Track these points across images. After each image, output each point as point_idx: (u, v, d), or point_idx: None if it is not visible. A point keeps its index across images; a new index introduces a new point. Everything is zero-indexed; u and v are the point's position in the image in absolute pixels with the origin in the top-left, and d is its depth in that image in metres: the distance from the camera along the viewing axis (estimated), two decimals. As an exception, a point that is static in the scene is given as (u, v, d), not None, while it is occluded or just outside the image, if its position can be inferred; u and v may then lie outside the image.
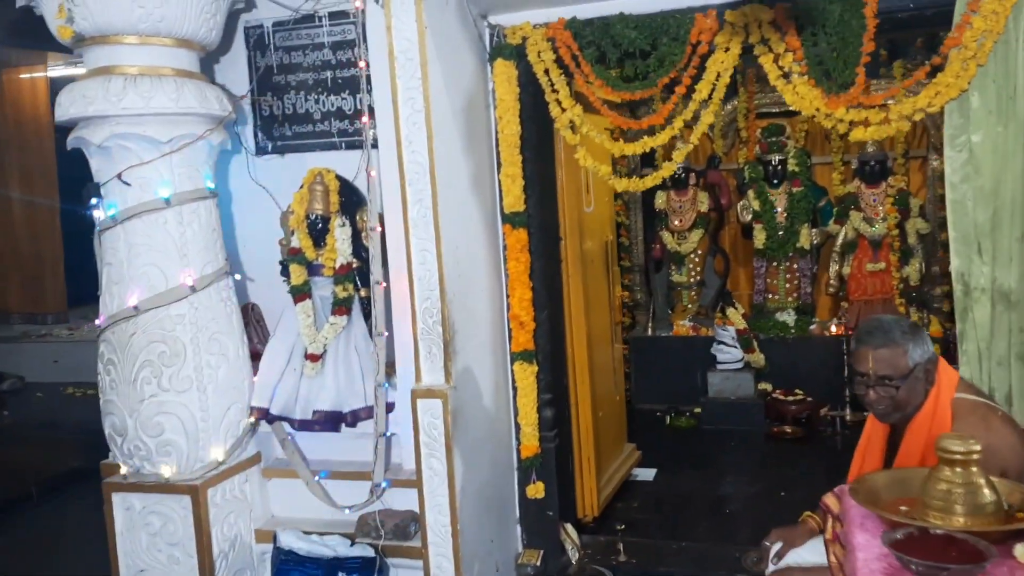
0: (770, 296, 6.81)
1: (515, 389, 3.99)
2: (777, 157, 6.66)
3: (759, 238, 6.70)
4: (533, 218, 3.97)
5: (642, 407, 6.75)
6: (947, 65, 3.28)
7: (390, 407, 3.76)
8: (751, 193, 6.73)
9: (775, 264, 6.73)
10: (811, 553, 2.70)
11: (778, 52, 3.49)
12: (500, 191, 3.92)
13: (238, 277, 3.97)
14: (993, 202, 3.27)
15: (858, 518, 2.18)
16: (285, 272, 3.89)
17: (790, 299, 6.77)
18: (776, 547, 2.80)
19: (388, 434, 3.74)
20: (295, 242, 3.86)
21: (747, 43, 3.54)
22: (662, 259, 7.06)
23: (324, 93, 3.93)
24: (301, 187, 3.83)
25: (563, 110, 3.81)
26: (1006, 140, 3.23)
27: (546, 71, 3.81)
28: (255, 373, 3.89)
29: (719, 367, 6.40)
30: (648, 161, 6.96)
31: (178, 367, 3.57)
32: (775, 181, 6.69)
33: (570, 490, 4.39)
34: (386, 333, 3.72)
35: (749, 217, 6.75)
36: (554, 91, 3.82)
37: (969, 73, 3.23)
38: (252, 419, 3.78)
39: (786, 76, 3.51)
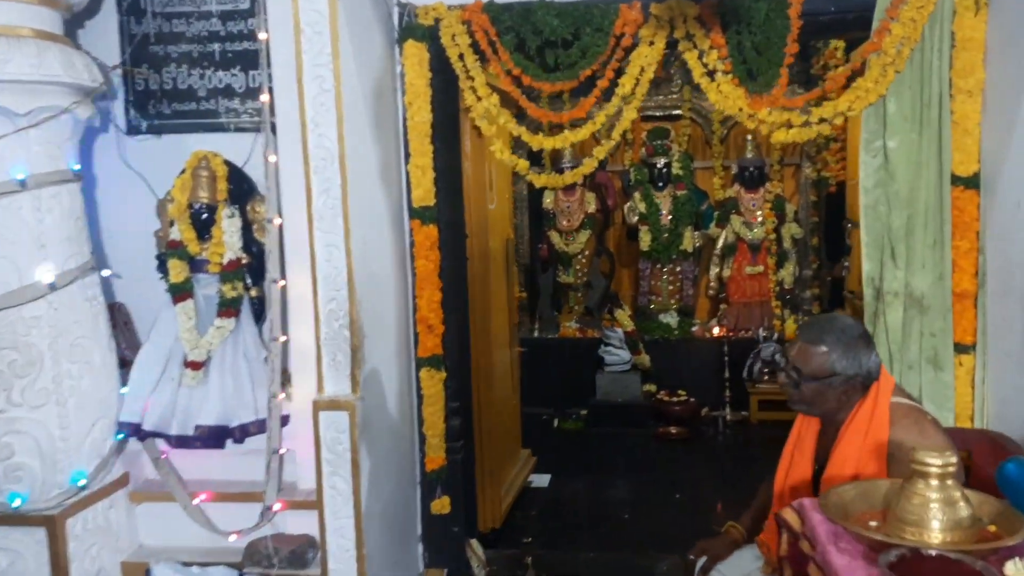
0: (654, 298, 6.82)
1: (420, 397, 3.69)
2: (662, 160, 6.67)
3: (645, 240, 6.69)
4: (442, 213, 3.68)
5: (529, 410, 6.57)
6: (867, 70, 3.28)
7: (284, 420, 3.36)
8: (637, 195, 6.72)
9: (659, 266, 6.74)
10: (734, 568, 2.60)
11: (703, 48, 3.38)
12: (408, 183, 3.60)
13: (106, 273, 3.44)
14: (907, 208, 3.29)
15: (830, 536, 2.06)
16: (163, 268, 3.41)
17: (673, 301, 6.80)
18: (701, 562, 2.68)
19: (282, 450, 3.34)
20: (175, 234, 3.38)
21: (672, 38, 3.41)
22: (549, 259, 6.93)
23: (211, 68, 3.48)
24: (183, 172, 3.36)
25: (479, 99, 3.54)
26: (920, 147, 3.26)
27: (460, 56, 3.52)
28: (124, 383, 3.39)
29: (607, 369, 6.32)
30: (535, 160, 6.80)
31: (32, 378, 3.04)
32: (660, 184, 6.70)
33: (473, 502, 4.13)
34: (283, 337, 3.32)
35: (635, 219, 6.73)
36: (469, 78, 3.55)
37: (887, 79, 3.24)
38: (121, 436, 3.28)
39: (710, 74, 3.41)
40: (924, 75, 3.24)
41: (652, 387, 6.43)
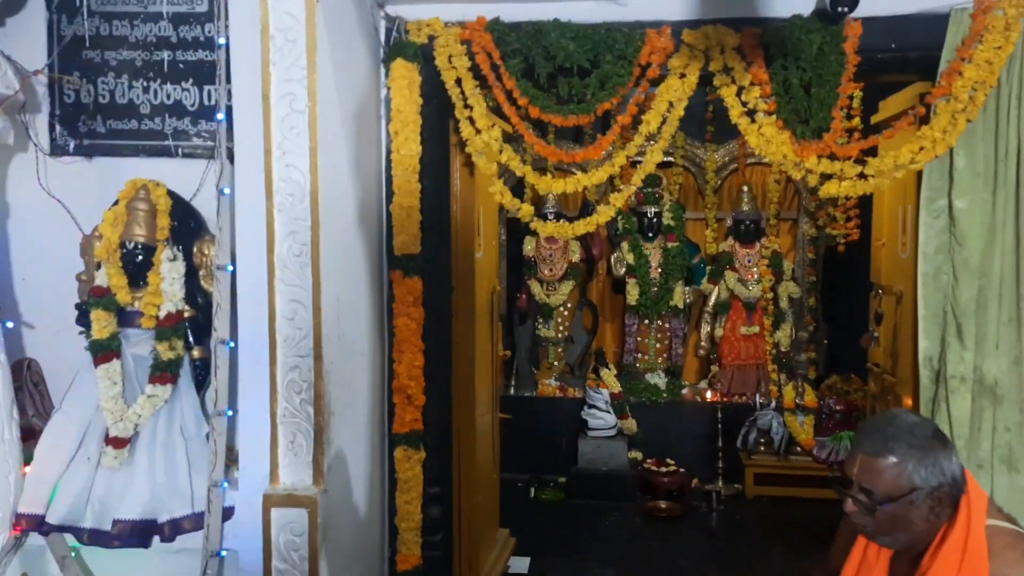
0: (640, 356, 6.28)
1: (394, 482, 3.06)
2: (652, 209, 6.19)
3: (632, 294, 6.17)
4: (428, 263, 3.11)
5: (504, 476, 5.94)
6: (933, 118, 2.81)
7: (227, 513, 2.70)
8: (625, 245, 6.21)
9: (647, 322, 6.22)
10: None
11: (742, 84, 2.89)
12: (390, 227, 3.02)
13: (10, 325, 2.79)
14: (978, 279, 2.81)
15: None
16: (84, 320, 2.76)
17: (660, 360, 6.26)
18: None
19: (222, 552, 2.68)
20: (101, 278, 2.74)
21: (706, 70, 2.91)
22: (528, 310, 6.36)
23: (158, 80, 2.87)
24: (116, 203, 2.74)
25: (477, 132, 2.99)
26: (994, 208, 2.80)
27: (458, 81, 2.98)
28: (27, 462, 2.71)
29: (590, 434, 5.74)
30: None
31: (-99, 459, 2.36)
32: (649, 234, 6.21)
33: (448, 602, 3.48)
34: (229, 411, 2.68)
35: (623, 271, 6.21)
36: (467, 107, 3.00)
37: (958, 128, 2.77)
38: (16, 532, 2.59)
39: (750, 114, 2.91)
40: (1000, 126, 2.78)
41: (638, 454, 5.85)
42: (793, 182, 6.22)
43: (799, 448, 5.70)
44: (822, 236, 6.14)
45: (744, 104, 2.90)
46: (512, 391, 6.19)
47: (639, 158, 3.22)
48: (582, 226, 3.02)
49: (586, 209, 6.33)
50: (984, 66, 2.73)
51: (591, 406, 5.76)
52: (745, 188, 6.16)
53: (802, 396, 5.78)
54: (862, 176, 2.85)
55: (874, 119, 4.08)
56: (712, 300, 6.20)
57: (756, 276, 6.07)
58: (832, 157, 2.86)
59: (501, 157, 3.01)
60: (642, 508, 5.43)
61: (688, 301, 6.26)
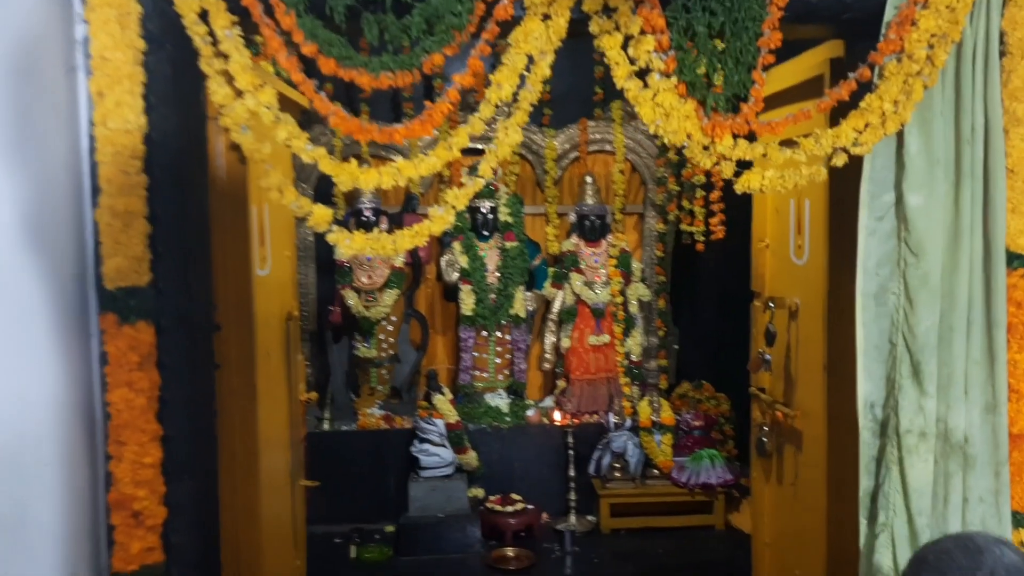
0: (478, 374, 5.35)
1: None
2: (487, 203, 5.26)
3: (467, 302, 5.22)
4: (166, 298, 1.98)
5: (315, 530, 4.83)
6: (881, 83, 2.04)
7: None
8: (457, 246, 5.25)
9: (485, 334, 5.30)
10: None
11: (630, 33, 1.99)
12: (98, 247, 1.87)
13: None
14: (940, 301, 2.08)
15: None
16: None
17: (501, 377, 5.37)
18: None
19: None
20: None
21: (580, 11, 1.99)
22: (343, 326, 5.25)
23: None
24: None
25: (238, 94, 1.90)
26: (958, 206, 2.07)
27: (203, 15, 1.88)
28: None
29: (423, 474, 4.74)
30: (321, 196, 5.15)
31: None
32: (485, 233, 5.28)
33: None
34: None
35: (455, 275, 5.25)
36: (219, 55, 1.90)
37: (913, 98, 2.01)
38: None
39: (641, 75, 2.02)
40: (963, 95, 2.05)
41: (479, 492, 4.94)
42: (639, 171, 5.52)
43: (656, 471, 5.01)
44: (670, 232, 5.48)
45: (632, 61, 1.99)
46: (326, 425, 5.06)
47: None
48: (407, 240, 1.99)
49: (410, 202, 5.30)
50: (944, 12, 1.97)
51: (423, 440, 4.77)
52: (588, 179, 5.37)
53: (658, 413, 5.09)
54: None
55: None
56: (556, 306, 5.38)
57: (604, 278, 5.31)
58: (752, 137, 2.03)
59: (278, 133, 1.93)
60: (486, 560, 4.51)
61: (530, 309, 5.40)
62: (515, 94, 1.97)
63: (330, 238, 1.96)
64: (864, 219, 2.12)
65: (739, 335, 5.62)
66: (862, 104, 2.01)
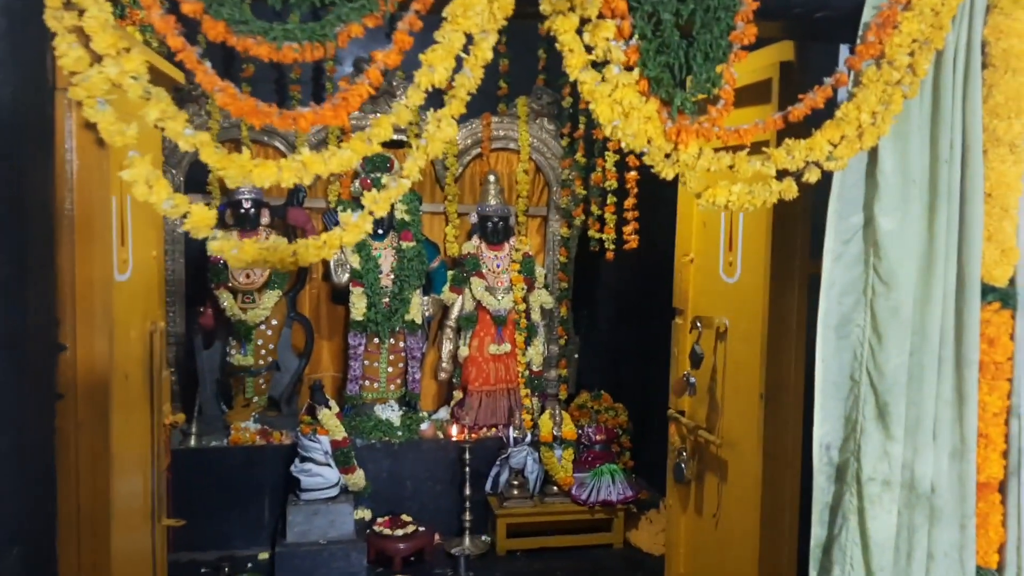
0: (367, 384, 4.94)
1: None
2: (382, 199, 4.86)
3: (358, 306, 4.79)
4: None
5: (179, 558, 4.32)
6: (859, 91, 1.83)
7: None
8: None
9: (376, 341, 4.89)
10: None
11: (587, 15, 1.69)
12: None
13: None
14: (912, 335, 1.89)
15: None
16: None
17: (392, 388, 4.98)
18: None
19: None
20: None
21: (530, -15, 1.67)
22: (214, 330, 4.72)
23: None
24: None
25: (96, 59, 1.47)
26: (932, 231, 1.89)
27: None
28: None
29: (303, 496, 4.30)
30: (195, 184, 4.61)
31: None
32: (379, 231, 4.88)
33: None
34: None
35: (346, 277, 4.82)
36: (71, 6, 1.46)
37: (892, 109, 1.82)
38: None
39: (598, 68, 1.72)
40: (942, 108, 1.87)
41: (366, 513, 4.55)
42: (543, 172, 5.26)
43: (556, 488, 4.78)
44: (574, 237, 5.26)
45: (589, 50, 1.69)
46: (193, 440, 4.53)
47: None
48: (312, 252, 1.60)
49: (296, 194, 4.83)
50: (928, 15, 1.78)
51: (304, 459, 4.32)
52: (492, 178, 5.07)
53: (560, 427, 4.85)
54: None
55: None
56: (455, 312, 5.05)
57: (507, 283, 5.02)
58: (721, 146, 1.78)
59: (148, 112, 1.51)
60: (375, 592, 4.14)
61: (427, 314, 5.04)
62: (450, 79, 1.62)
63: (213, 247, 1.56)
64: (830, 242, 1.91)
65: (638, 345, 5.51)
66: (838, 114, 1.80)
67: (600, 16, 1.67)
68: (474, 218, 5.05)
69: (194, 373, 4.77)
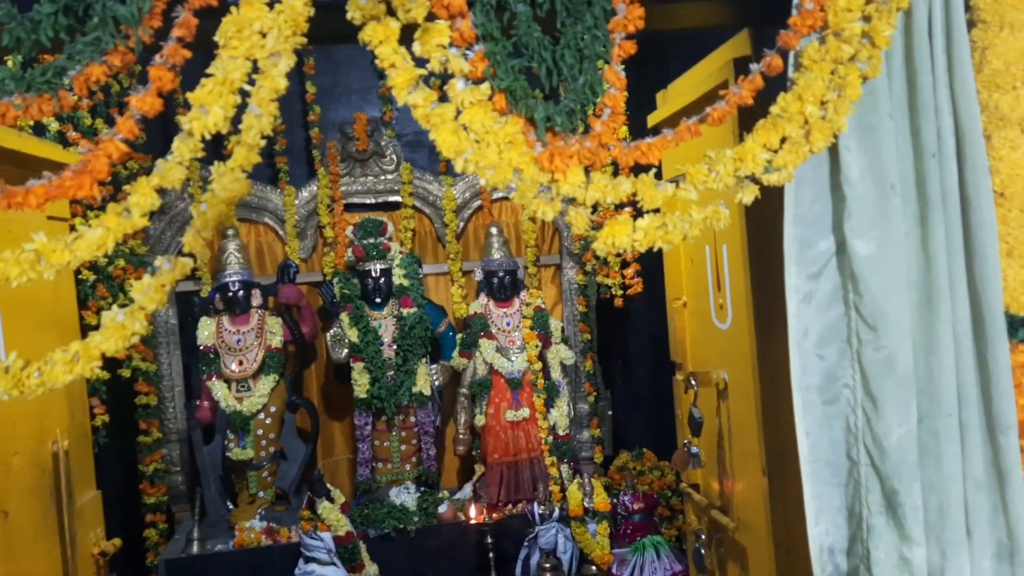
0: (380, 466, 4.54)
1: None
2: (378, 266, 4.51)
3: (361, 383, 4.42)
4: None
5: None
6: (799, 76, 1.36)
7: None
8: (345, 318, 4.47)
9: (384, 419, 4.50)
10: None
11: (412, 19, 1.28)
12: None
13: None
14: (914, 397, 1.38)
15: None
16: None
17: (407, 468, 4.57)
18: None
19: None
20: None
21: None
22: (214, 424, 4.42)
23: None
24: None
25: None
26: (928, 251, 1.39)
27: None
28: None
29: (310, 600, 3.90)
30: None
31: None
32: (377, 300, 4.52)
33: None
34: None
35: (344, 353, 4.46)
36: None
37: (848, 95, 1.34)
38: None
39: (441, 80, 1.31)
40: (920, 91, 1.38)
41: (383, 613, 4.10)
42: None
43: (594, 567, 4.23)
44: (592, 284, 4.80)
45: (421, 64, 1.29)
46: (195, 547, 4.18)
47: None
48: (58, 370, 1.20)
49: (286, 271, 4.54)
50: (883, -31, 1.32)
51: (308, 559, 3.93)
52: (494, 230, 4.68)
53: (591, 497, 4.32)
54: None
55: (652, 119, 2.68)
56: (467, 379, 4.63)
57: (519, 342, 4.58)
58: (613, 170, 1.33)
59: None
60: None
61: (437, 384, 4.63)
62: (236, 123, 1.24)
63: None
64: (792, 278, 1.42)
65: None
66: (773, 110, 1.33)
67: (431, 17, 1.26)
68: (479, 275, 4.65)
69: (196, 472, 4.46)
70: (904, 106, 1.36)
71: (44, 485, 2.24)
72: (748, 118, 1.44)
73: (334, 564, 3.91)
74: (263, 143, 1.26)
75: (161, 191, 1.20)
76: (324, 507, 3.98)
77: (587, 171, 1.30)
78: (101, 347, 1.18)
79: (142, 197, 1.19)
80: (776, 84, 1.35)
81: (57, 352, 1.17)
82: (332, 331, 4.52)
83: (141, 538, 4.36)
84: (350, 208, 4.78)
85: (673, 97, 2.15)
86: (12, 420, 2.11)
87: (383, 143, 4.72)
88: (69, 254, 1.17)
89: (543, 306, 4.63)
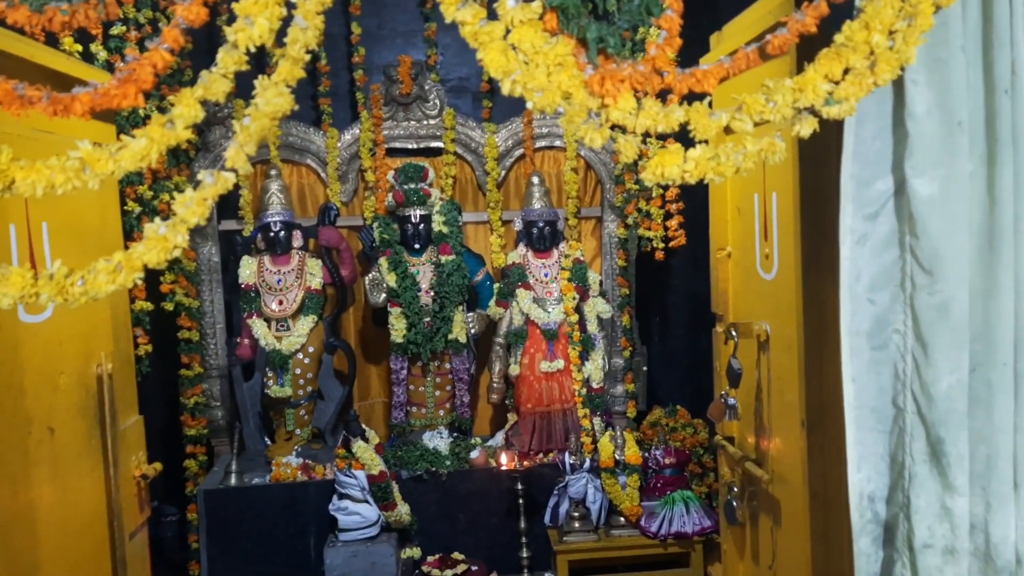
0: (414, 410, 4.59)
1: None
2: (418, 212, 4.50)
3: (398, 327, 4.45)
4: None
5: (219, 607, 4.07)
6: (867, 4, 1.30)
7: None
8: (383, 263, 4.49)
9: (420, 364, 4.54)
10: None
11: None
12: None
13: None
14: (967, 345, 1.33)
15: None
16: None
17: (441, 414, 4.61)
18: None
19: None
20: None
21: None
22: (254, 361, 4.49)
23: None
24: None
25: None
26: (994, 194, 1.32)
27: None
28: None
29: (341, 537, 3.97)
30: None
31: None
32: (416, 246, 4.52)
33: None
34: None
35: (381, 298, 4.49)
36: None
37: (920, 24, 1.27)
38: None
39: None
40: (995, 20, 1.31)
41: (415, 552, 4.17)
42: (594, 168, 4.79)
43: (623, 519, 4.24)
44: (632, 238, 4.74)
45: (470, -20, 1.25)
46: (233, 479, 4.27)
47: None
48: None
49: (327, 213, 4.55)
50: None
51: (342, 496, 4.00)
52: (535, 179, 4.62)
53: (622, 450, 4.32)
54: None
55: (704, 61, 2.59)
56: (503, 328, 4.63)
57: (556, 294, 4.55)
58: (664, 96, 1.28)
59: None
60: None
61: (472, 332, 4.64)
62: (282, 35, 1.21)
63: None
64: (847, 219, 1.37)
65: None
66: (837, 38, 1.26)
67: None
68: (518, 224, 4.61)
69: (236, 408, 4.55)
70: (978, 38, 1.29)
71: (89, 405, 2.30)
72: (808, 52, 1.37)
73: (367, 502, 3.97)
74: (307, 58, 1.23)
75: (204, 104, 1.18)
76: (359, 446, 4.03)
77: (639, 97, 1.25)
78: (144, 258, 1.19)
79: (186, 108, 1.18)
80: (841, 12, 1.29)
81: (100, 261, 1.18)
82: (371, 275, 4.53)
83: (181, 469, 4.46)
84: (392, 152, 4.76)
85: (728, 37, 2.07)
86: (60, 340, 2.15)
87: (427, 87, 4.67)
88: (113, 163, 1.16)
89: (582, 258, 4.59)
